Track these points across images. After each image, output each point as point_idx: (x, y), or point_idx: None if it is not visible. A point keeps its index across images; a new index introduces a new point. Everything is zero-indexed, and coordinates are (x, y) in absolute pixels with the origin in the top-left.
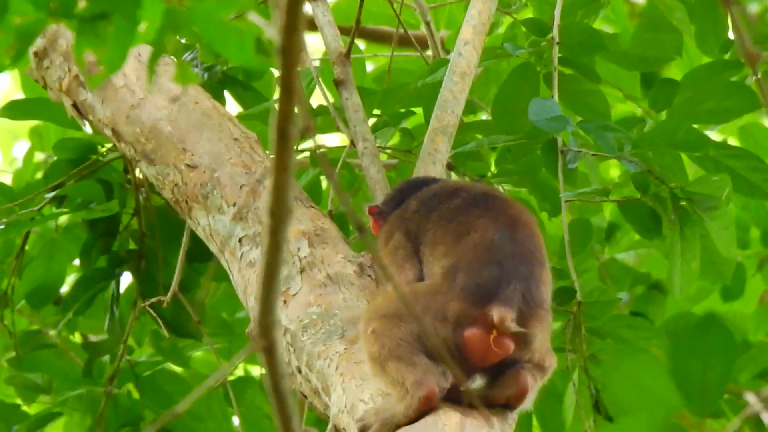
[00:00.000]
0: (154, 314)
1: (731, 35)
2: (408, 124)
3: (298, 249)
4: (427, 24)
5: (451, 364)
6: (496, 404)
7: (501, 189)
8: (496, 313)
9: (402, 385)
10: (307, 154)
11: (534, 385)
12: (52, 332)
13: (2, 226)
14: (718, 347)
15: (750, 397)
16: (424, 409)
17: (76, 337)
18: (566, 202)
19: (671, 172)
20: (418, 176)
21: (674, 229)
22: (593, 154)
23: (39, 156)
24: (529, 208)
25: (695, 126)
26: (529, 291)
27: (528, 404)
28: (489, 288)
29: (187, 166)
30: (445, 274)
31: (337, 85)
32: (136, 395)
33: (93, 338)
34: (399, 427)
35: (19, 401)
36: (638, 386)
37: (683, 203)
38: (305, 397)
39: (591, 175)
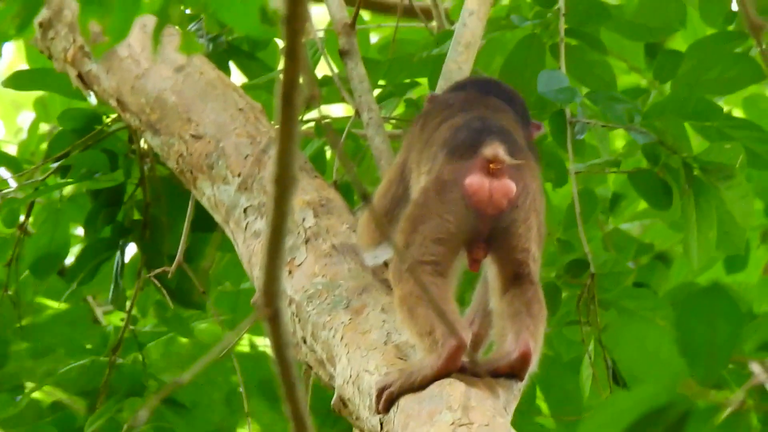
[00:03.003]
0: (159, 284)
1: (735, 6)
2: (413, 94)
3: (303, 219)
4: None
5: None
6: (500, 374)
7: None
8: (487, 150)
9: (430, 335)
10: (312, 124)
11: (537, 336)
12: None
13: (8, 197)
14: (724, 316)
15: (755, 368)
16: (453, 361)
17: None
18: (576, 174)
19: (679, 142)
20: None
21: (688, 200)
22: (603, 125)
23: (44, 127)
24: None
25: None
26: (511, 140)
27: (533, 366)
28: (471, 140)
29: (192, 136)
30: (429, 170)
31: (342, 55)
32: (140, 366)
33: (98, 310)
34: (426, 381)
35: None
36: (643, 355)
37: (697, 173)
38: (310, 367)
39: (601, 146)
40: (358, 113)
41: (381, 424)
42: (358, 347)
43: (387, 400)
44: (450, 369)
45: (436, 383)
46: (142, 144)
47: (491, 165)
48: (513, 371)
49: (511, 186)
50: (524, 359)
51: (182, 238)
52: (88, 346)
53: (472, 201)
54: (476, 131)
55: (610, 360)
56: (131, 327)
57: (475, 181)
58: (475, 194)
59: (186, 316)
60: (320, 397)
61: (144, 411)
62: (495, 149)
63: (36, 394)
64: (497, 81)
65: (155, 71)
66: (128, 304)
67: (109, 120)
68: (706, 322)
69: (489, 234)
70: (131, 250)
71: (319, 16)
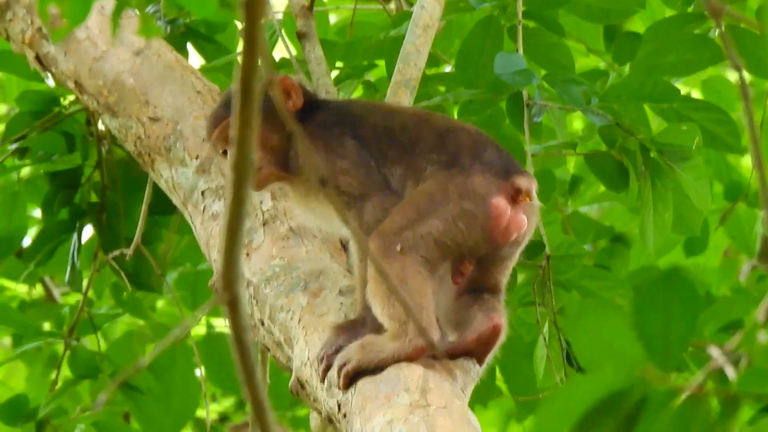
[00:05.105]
0: (117, 267)
1: None
2: (371, 76)
3: (261, 202)
4: None
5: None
6: (466, 349)
7: None
8: (522, 181)
9: (402, 324)
10: None
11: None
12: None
13: None
14: (682, 301)
15: (714, 351)
16: (416, 357)
17: (38, 289)
18: (532, 156)
19: (636, 124)
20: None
21: (645, 182)
22: (560, 108)
23: (1, 108)
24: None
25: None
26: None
27: (496, 349)
28: (504, 163)
29: (150, 118)
30: (445, 162)
31: (300, 37)
32: (95, 348)
33: (55, 291)
34: (383, 364)
35: None
36: (602, 340)
37: (653, 155)
38: (268, 349)
39: (557, 128)
40: None
41: (339, 405)
42: (315, 330)
43: (345, 376)
44: (409, 361)
45: (394, 366)
46: (100, 126)
47: (520, 197)
48: (480, 344)
49: (524, 222)
50: (495, 331)
51: (140, 220)
52: (45, 328)
53: (489, 222)
54: (505, 156)
55: (564, 342)
56: (87, 309)
57: (501, 204)
58: (497, 218)
59: (142, 297)
60: (279, 378)
61: (103, 395)
62: (529, 184)
63: None
64: None
65: (113, 53)
66: (85, 285)
67: (66, 102)
68: (664, 308)
69: (484, 255)
70: (88, 232)
71: None
